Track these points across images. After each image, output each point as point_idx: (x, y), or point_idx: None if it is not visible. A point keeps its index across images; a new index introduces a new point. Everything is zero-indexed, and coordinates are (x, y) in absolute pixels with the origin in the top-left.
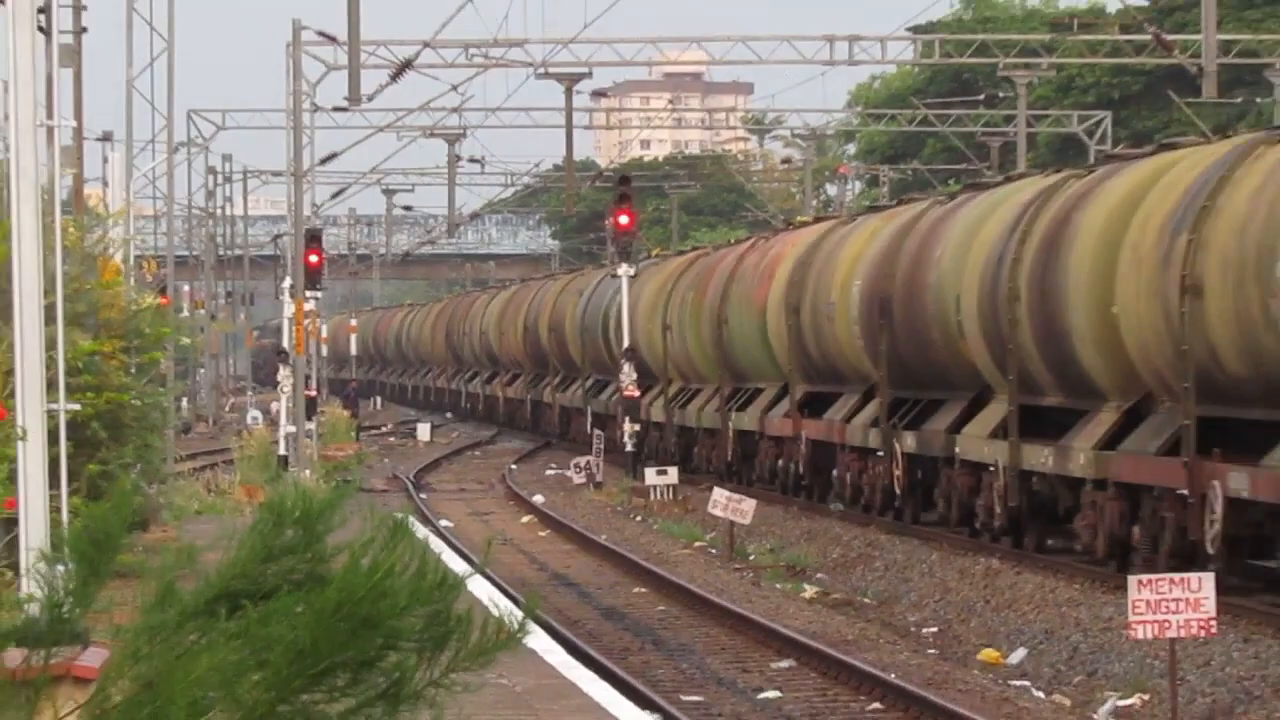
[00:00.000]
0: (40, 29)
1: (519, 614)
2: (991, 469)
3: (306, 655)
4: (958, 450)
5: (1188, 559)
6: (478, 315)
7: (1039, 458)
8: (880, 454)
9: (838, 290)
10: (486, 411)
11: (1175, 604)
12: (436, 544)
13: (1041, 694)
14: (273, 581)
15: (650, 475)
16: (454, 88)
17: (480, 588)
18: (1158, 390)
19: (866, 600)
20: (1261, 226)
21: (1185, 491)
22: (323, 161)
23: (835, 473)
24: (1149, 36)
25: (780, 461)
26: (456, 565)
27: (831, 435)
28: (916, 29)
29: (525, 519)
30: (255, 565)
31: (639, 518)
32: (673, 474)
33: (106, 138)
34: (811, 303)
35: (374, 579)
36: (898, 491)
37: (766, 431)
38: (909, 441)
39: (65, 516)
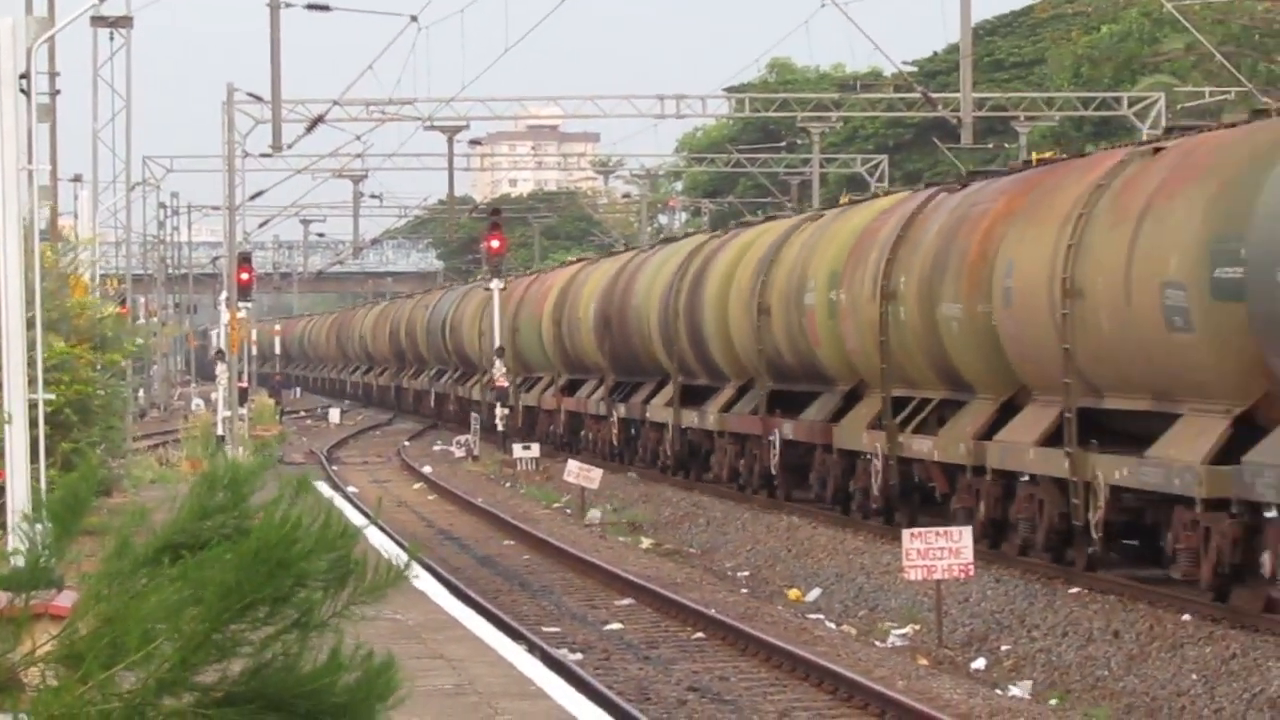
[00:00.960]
0: (22, 91)
1: (405, 557)
2: (666, 427)
3: (233, 593)
4: (648, 415)
5: (768, 480)
6: (358, 324)
7: (691, 419)
8: (608, 418)
9: (583, 310)
10: (364, 395)
11: (940, 552)
12: (346, 507)
13: (833, 625)
14: (207, 535)
15: (517, 450)
16: (357, 137)
17: (378, 539)
18: (753, 375)
19: (692, 550)
20: (799, 273)
21: (761, 435)
22: (252, 198)
23: (582, 433)
24: (918, 94)
25: (551, 427)
26: (360, 521)
27: (579, 408)
28: (731, 89)
29: (416, 485)
30: (193, 522)
31: (508, 484)
32: (535, 449)
33: (77, 179)
34: (568, 318)
35: (285, 530)
36: (615, 445)
37: (543, 406)
38: (622, 410)
39: (44, 485)
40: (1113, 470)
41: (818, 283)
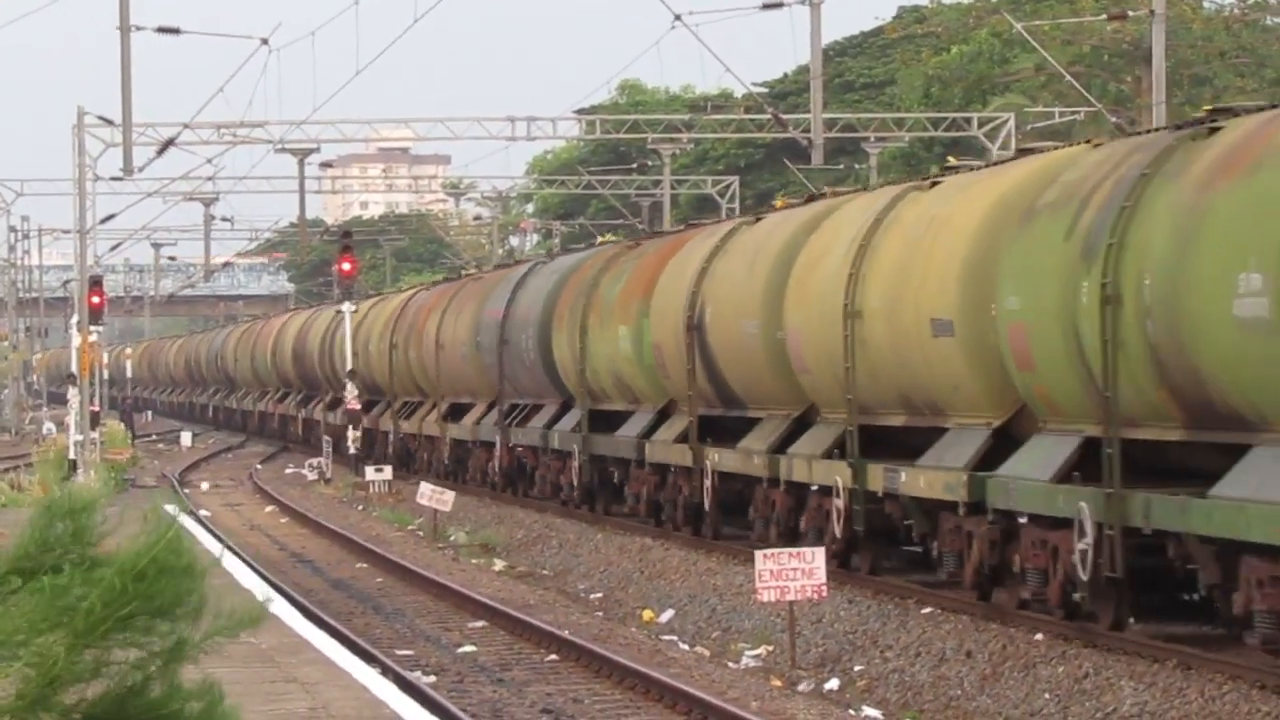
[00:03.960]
0: None
1: (265, 588)
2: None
3: (104, 616)
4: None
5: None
6: (165, 354)
7: (458, 433)
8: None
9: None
10: (216, 419)
11: (793, 573)
12: (199, 531)
13: (687, 646)
14: (51, 561)
15: (370, 472)
16: (208, 160)
17: (233, 564)
18: (392, 391)
19: (545, 572)
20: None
21: (389, 432)
22: (103, 221)
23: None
24: (769, 115)
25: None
26: (213, 546)
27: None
28: (581, 110)
29: (269, 509)
30: (35, 551)
31: (361, 507)
32: (388, 471)
33: None
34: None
35: (153, 557)
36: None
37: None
38: (453, 431)
39: None
40: (453, 431)
41: (374, 336)
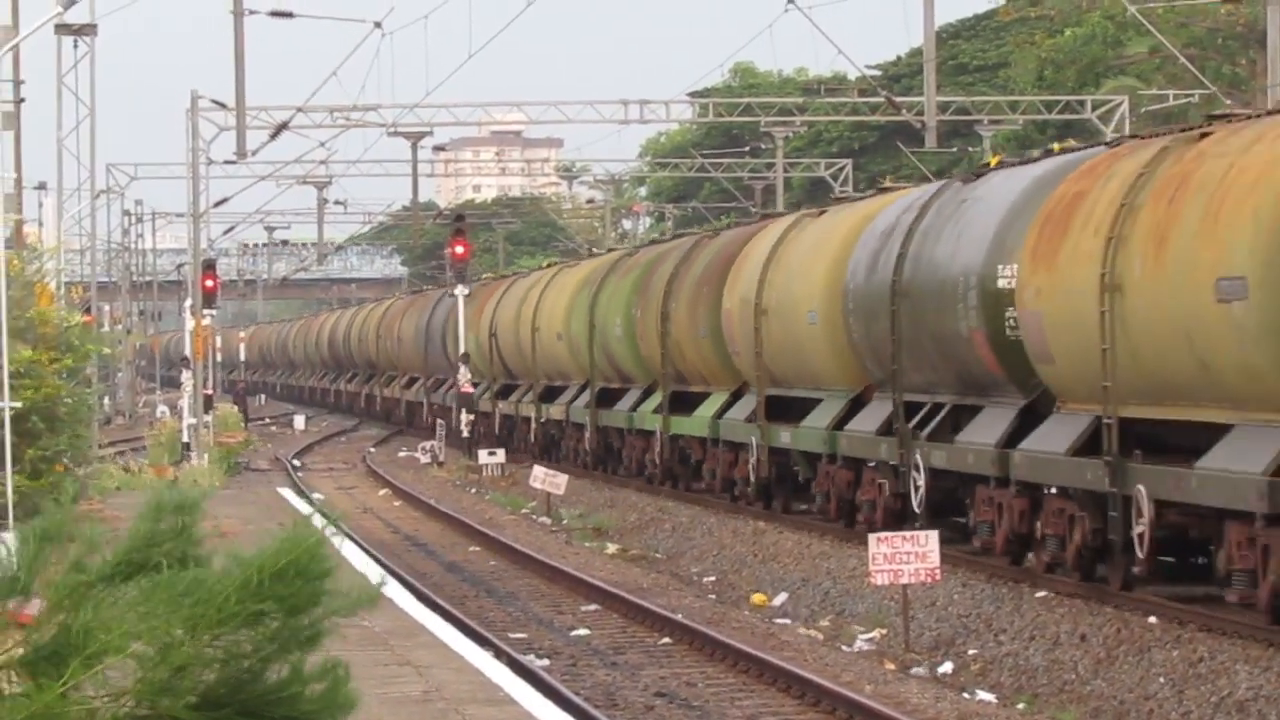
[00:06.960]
0: None
1: (379, 571)
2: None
3: (250, 599)
4: (414, 398)
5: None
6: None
7: (408, 395)
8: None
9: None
10: (331, 402)
11: (907, 556)
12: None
13: (800, 629)
14: (157, 557)
15: (483, 456)
16: (322, 144)
17: (347, 549)
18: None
19: (658, 555)
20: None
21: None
22: (216, 204)
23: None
24: (882, 99)
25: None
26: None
27: (390, 394)
28: (694, 94)
29: (382, 492)
30: (142, 548)
31: (474, 490)
32: (501, 454)
33: (41, 187)
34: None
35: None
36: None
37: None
38: (406, 395)
39: (9, 491)
40: (406, 395)
41: (370, 328)
